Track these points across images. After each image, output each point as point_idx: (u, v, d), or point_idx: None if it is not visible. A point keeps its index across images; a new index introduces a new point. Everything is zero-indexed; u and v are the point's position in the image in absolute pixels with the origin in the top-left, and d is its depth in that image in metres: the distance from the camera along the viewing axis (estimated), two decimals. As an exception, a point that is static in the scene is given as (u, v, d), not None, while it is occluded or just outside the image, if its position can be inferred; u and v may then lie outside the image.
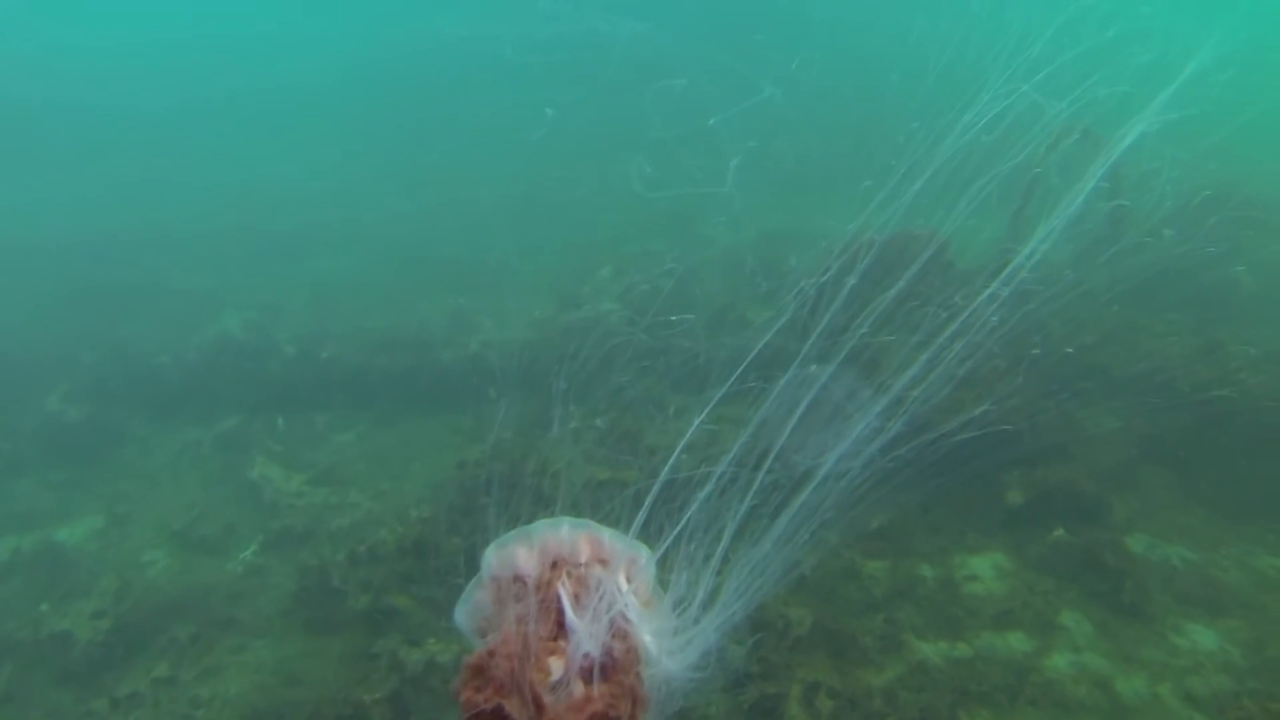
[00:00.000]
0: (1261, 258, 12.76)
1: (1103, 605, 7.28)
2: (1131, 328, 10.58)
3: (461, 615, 2.16)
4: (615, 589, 2.06)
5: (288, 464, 10.30)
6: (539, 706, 1.81)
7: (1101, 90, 3.02)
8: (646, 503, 2.46)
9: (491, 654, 1.89)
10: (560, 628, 1.98)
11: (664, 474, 2.60)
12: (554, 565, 2.11)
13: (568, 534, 2.20)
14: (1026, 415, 8.20)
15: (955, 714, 6.03)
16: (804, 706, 5.91)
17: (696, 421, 2.86)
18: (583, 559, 2.15)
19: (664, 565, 2.37)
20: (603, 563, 2.15)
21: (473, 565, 7.02)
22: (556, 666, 1.91)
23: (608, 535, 2.23)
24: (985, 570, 7.82)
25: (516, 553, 2.18)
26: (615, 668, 1.93)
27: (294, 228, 19.34)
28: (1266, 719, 3.62)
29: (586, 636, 1.93)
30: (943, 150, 2.96)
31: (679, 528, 2.49)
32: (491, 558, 2.22)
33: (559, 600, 2.01)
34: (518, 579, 2.11)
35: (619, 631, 1.98)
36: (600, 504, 2.50)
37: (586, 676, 1.90)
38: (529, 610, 1.98)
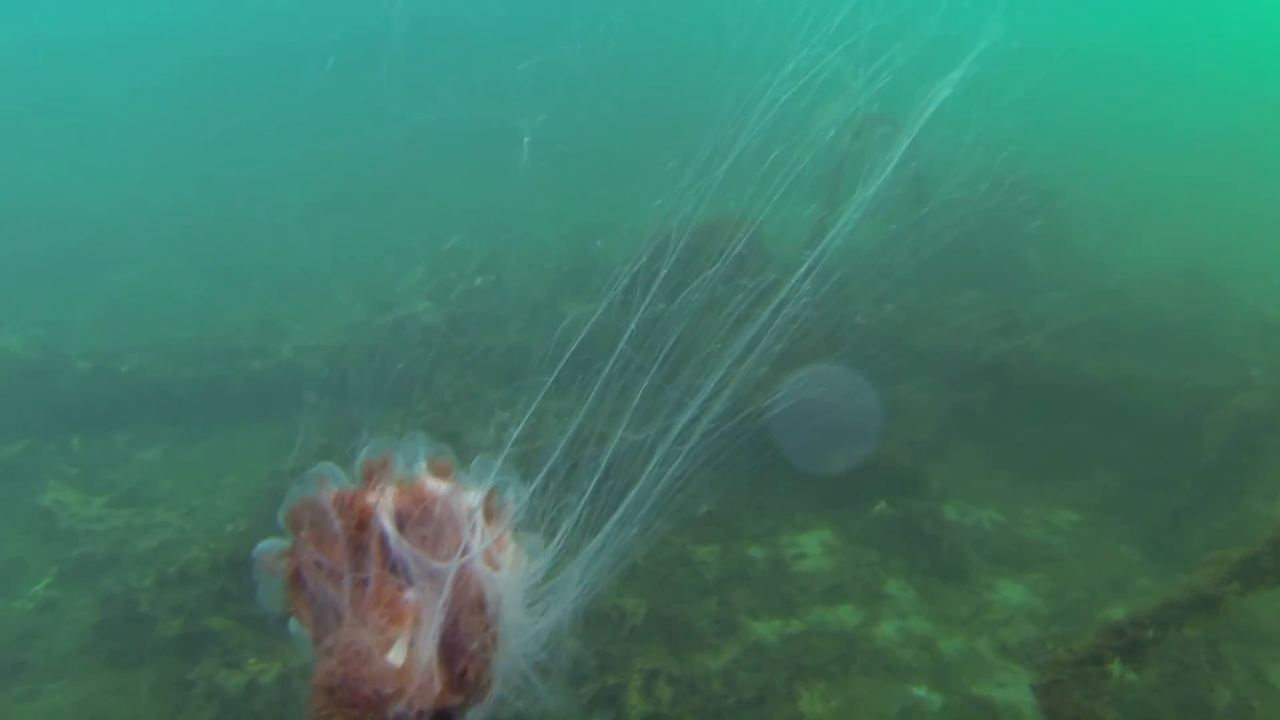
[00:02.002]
0: (1043, 236, 13.77)
1: (924, 571, 7.64)
2: (934, 305, 11.17)
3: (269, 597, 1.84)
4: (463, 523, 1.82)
5: (85, 487, 9.49)
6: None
7: (897, 68, 3.09)
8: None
9: (337, 663, 1.64)
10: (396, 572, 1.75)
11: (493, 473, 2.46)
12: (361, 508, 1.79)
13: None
14: (843, 394, 8.50)
15: (793, 689, 6.16)
16: (644, 695, 5.90)
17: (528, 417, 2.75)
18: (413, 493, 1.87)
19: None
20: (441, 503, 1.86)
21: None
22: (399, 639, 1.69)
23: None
24: (813, 547, 8.05)
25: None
26: (464, 626, 1.76)
27: (78, 241, 17.82)
28: (1070, 659, 3.86)
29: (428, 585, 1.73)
30: (749, 129, 2.97)
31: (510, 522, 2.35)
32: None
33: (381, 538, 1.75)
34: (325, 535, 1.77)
35: (469, 576, 1.78)
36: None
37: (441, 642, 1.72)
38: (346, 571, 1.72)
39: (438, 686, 1.70)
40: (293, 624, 1.86)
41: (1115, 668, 4.01)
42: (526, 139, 2.96)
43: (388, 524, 1.75)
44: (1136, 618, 3.94)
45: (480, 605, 1.79)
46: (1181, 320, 10.82)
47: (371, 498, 1.79)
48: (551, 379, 2.76)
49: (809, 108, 2.87)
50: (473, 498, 1.90)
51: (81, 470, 9.87)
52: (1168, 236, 15.47)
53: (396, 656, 1.64)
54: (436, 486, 1.86)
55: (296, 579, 1.78)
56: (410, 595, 1.71)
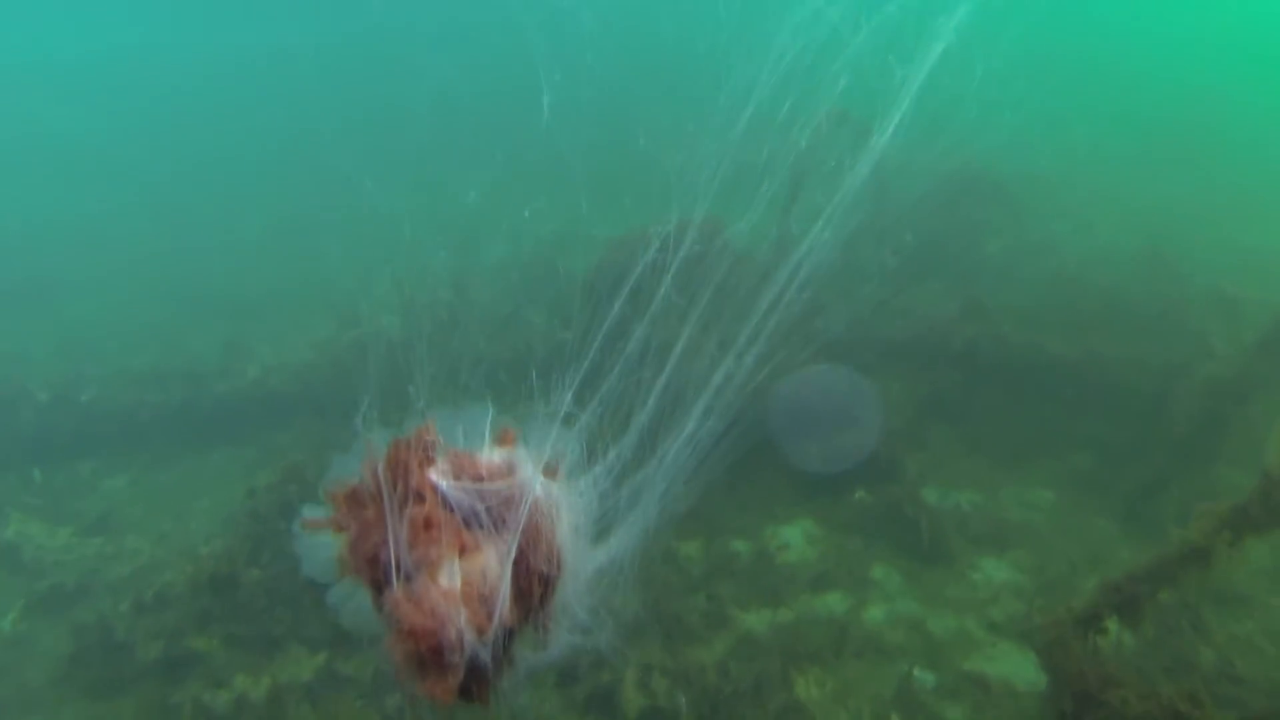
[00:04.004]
0: (1003, 227, 13.99)
1: (908, 555, 7.68)
2: (900, 297, 11.27)
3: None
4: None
5: (50, 518, 9.24)
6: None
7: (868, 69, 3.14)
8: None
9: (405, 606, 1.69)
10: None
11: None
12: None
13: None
14: (817, 387, 8.54)
15: (787, 676, 6.15)
16: (640, 689, 5.86)
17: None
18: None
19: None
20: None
21: (275, 595, 6.45)
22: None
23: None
24: (796, 538, 8.07)
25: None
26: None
27: (33, 271, 17.49)
28: (1070, 617, 3.90)
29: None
30: (718, 132, 3.00)
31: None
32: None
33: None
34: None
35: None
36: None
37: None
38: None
39: (506, 612, 1.75)
40: (334, 594, 1.88)
41: (1112, 624, 4.05)
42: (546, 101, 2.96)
43: (439, 476, 1.82)
44: (1133, 573, 3.99)
45: (537, 537, 1.86)
46: (1142, 299, 11.01)
47: (420, 457, 1.87)
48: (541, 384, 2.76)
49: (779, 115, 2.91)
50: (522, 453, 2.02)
51: (45, 501, 9.62)
52: (1123, 222, 15.76)
53: (455, 581, 1.64)
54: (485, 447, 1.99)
55: (351, 541, 1.84)
56: (470, 532, 1.73)
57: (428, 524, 1.72)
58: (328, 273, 16.39)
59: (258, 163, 23.69)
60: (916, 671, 6.28)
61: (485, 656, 1.73)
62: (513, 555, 1.79)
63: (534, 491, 1.89)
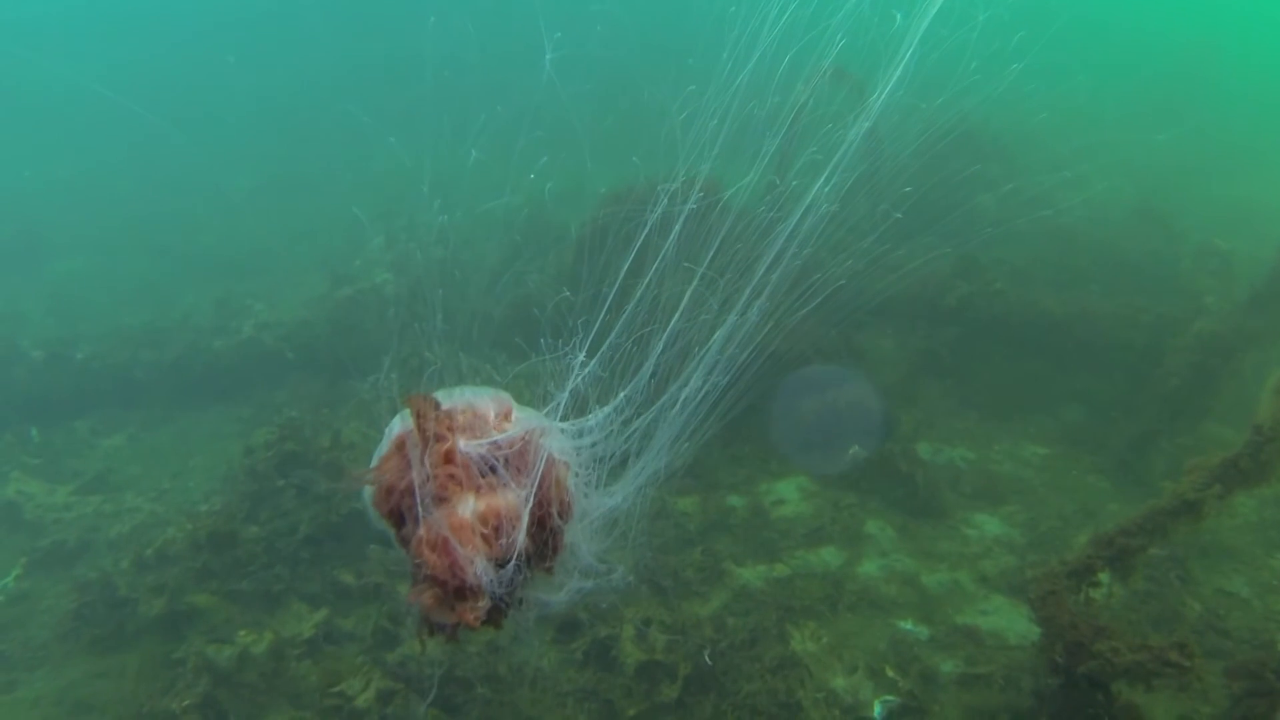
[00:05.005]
0: (996, 182, 13.93)
1: (901, 510, 7.77)
2: (892, 253, 11.25)
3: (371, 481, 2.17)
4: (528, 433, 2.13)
5: (49, 476, 9.27)
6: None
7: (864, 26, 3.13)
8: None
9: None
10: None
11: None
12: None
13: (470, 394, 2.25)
14: (811, 343, 8.57)
15: (783, 630, 6.24)
16: (638, 643, 5.95)
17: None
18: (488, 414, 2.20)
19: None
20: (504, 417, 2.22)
21: (274, 552, 6.49)
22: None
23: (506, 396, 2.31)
24: (791, 493, 8.15)
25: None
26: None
27: (18, 231, 17.34)
28: (1063, 570, 3.97)
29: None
30: (712, 92, 2.99)
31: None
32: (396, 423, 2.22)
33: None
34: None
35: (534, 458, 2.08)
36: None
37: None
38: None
39: (522, 541, 1.96)
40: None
41: (1104, 577, 4.13)
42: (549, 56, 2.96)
43: (461, 439, 2.03)
44: (1125, 526, 4.06)
45: (547, 484, 2.06)
46: (1135, 255, 11.05)
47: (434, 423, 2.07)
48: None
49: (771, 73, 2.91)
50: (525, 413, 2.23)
51: (44, 460, 9.65)
52: (1117, 175, 15.73)
53: (472, 512, 1.79)
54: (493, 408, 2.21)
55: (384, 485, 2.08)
56: (487, 478, 1.86)
57: (448, 459, 1.96)
58: (321, 230, 16.31)
59: (250, 118, 23.42)
60: (909, 625, 6.39)
61: (499, 585, 1.94)
62: (531, 497, 1.99)
63: (542, 442, 2.09)
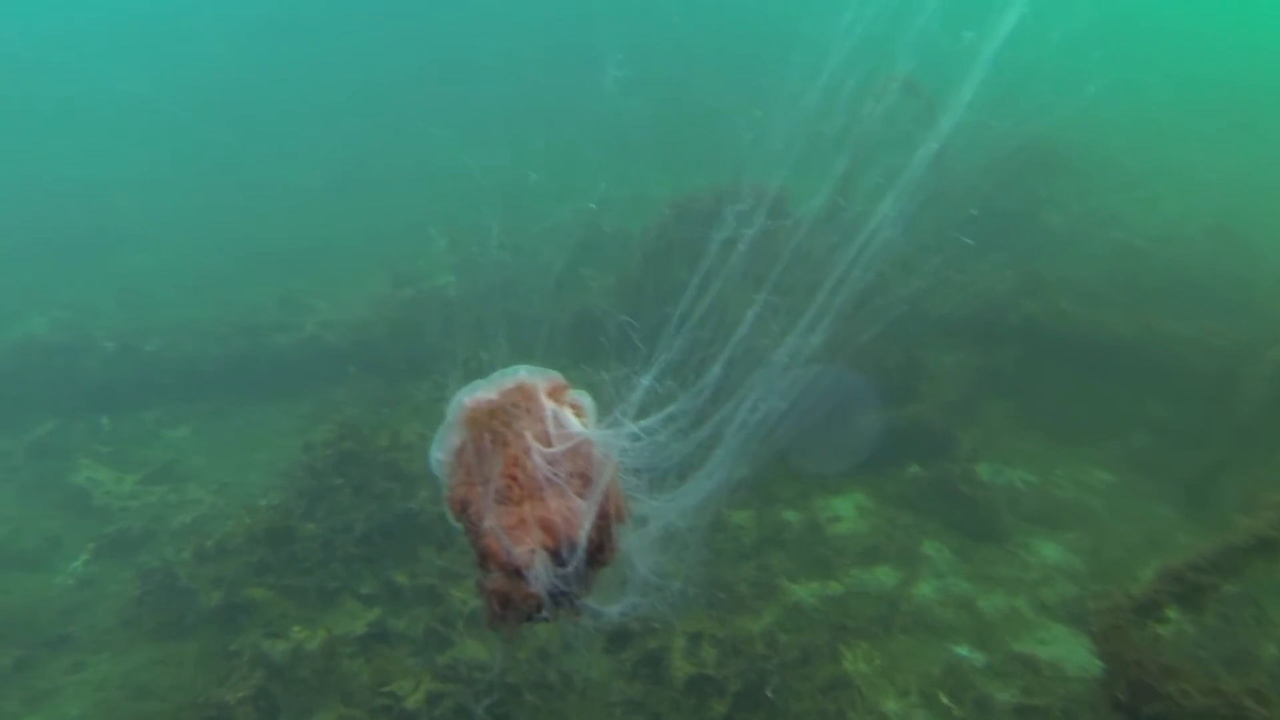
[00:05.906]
0: (1064, 199, 13.65)
1: (959, 532, 7.62)
2: (958, 271, 11.08)
3: (437, 454, 2.32)
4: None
5: (117, 465, 9.52)
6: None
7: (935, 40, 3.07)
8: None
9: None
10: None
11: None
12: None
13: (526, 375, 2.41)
14: (873, 361, 8.46)
15: (835, 649, 6.16)
16: (689, 657, 5.91)
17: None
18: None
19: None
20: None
21: (330, 549, 6.60)
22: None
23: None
24: (848, 510, 8.04)
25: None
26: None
27: (93, 226, 17.85)
28: (1129, 604, 3.84)
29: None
30: (783, 106, 2.97)
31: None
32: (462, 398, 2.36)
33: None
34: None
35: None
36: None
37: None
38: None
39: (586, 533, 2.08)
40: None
41: (1172, 613, 4.00)
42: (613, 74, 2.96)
43: (530, 439, 2.16)
44: (1194, 562, 3.92)
45: (609, 490, 2.17)
46: (1209, 277, 10.72)
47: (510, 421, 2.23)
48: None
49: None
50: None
51: (113, 449, 9.90)
52: (1190, 196, 15.30)
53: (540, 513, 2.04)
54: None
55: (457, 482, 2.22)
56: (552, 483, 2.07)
57: (515, 463, 2.09)
58: (385, 229, 16.53)
59: (316, 117, 23.85)
60: (965, 650, 6.26)
61: (559, 581, 2.05)
62: (597, 501, 2.10)
63: (606, 450, 2.21)
